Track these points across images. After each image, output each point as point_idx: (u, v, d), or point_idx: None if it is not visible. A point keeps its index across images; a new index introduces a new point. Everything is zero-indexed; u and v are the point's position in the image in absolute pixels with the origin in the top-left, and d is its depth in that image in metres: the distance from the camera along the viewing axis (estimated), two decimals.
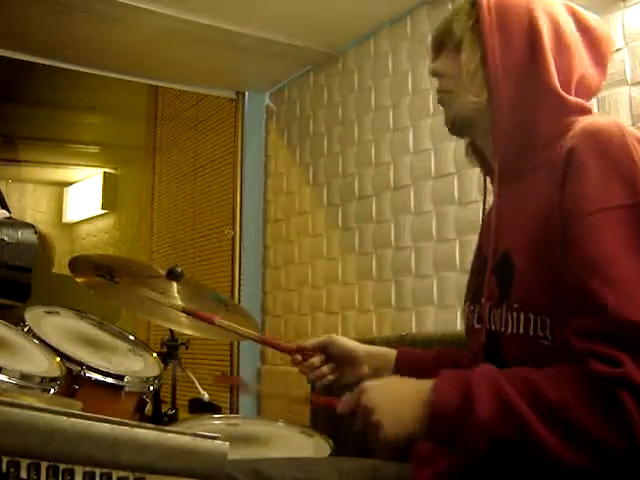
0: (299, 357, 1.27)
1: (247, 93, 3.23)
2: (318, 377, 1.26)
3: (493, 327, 1.01)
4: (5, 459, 0.53)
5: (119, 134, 4.72)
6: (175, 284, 1.95)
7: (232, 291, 3.11)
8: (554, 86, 0.99)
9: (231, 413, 2.88)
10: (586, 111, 1.01)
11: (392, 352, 1.27)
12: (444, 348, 1.29)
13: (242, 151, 3.21)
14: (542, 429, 0.80)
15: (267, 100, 3.23)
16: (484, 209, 1.17)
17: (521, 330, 0.95)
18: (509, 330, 0.97)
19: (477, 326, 1.06)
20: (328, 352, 1.26)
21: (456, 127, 1.11)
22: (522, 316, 0.95)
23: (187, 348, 2.06)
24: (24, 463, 0.53)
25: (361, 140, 2.62)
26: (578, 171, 0.90)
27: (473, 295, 1.10)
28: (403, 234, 2.36)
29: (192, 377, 2.06)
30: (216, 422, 1.76)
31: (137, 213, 4.58)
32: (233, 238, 3.17)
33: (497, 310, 1.00)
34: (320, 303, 2.74)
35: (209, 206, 3.47)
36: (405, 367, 1.23)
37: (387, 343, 2.08)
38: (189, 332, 1.84)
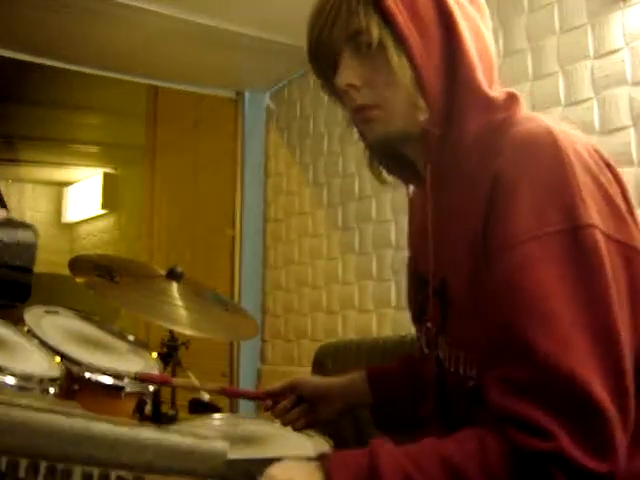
0: (270, 402, 1.22)
1: (247, 93, 3.23)
2: (290, 421, 1.21)
3: (440, 355, 0.91)
4: (4, 459, 0.53)
5: (119, 134, 4.72)
6: (175, 284, 1.95)
7: (232, 291, 3.11)
8: (478, 82, 0.86)
9: (231, 413, 2.88)
10: (513, 102, 0.88)
11: (361, 378, 1.20)
12: (408, 356, 1.22)
13: (242, 151, 3.21)
14: None
15: (267, 100, 3.23)
16: (410, 219, 1.08)
17: (452, 367, 0.87)
18: (446, 364, 0.89)
19: (426, 350, 0.97)
20: (297, 393, 1.21)
21: (390, 144, 0.94)
22: (454, 352, 0.87)
23: (187, 348, 2.06)
24: (23, 463, 0.53)
25: (361, 139, 2.62)
26: (505, 197, 0.77)
27: (418, 313, 1.00)
28: (403, 234, 2.36)
29: (192, 377, 2.06)
30: (216, 422, 1.75)
31: (137, 213, 4.58)
32: (233, 238, 3.17)
33: (441, 337, 0.91)
34: (320, 303, 2.74)
35: (209, 206, 3.47)
36: (381, 393, 1.18)
37: (387, 343, 2.08)
38: (189, 332, 1.84)
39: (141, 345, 1.96)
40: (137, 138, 4.39)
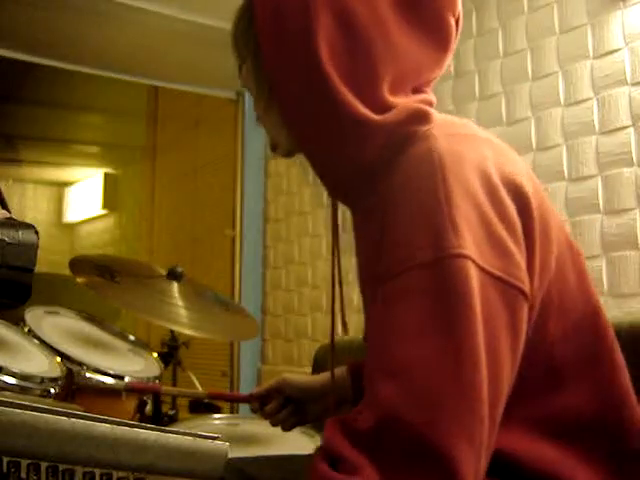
0: (256, 405, 1.21)
1: (247, 93, 3.23)
2: (280, 421, 1.19)
3: None
4: (6, 459, 0.53)
5: (119, 134, 4.72)
6: (175, 284, 1.95)
7: (232, 291, 3.11)
8: (355, 113, 0.76)
9: (231, 413, 2.88)
10: (418, 119, 0.78)
11: (344, 373, 1.20)
12: None
13: (242, 151, 3.21)
14: None
15: None
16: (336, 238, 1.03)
17: None
18: None
19: None
20: (284, 393, 1.20)
21: (278, 154, 0.92)
22: None
23: (187, 348, 2.06)
24: (24, 463, 0.53)
25: None
26: (387, 227, 0.73)
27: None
28: None
29: (192, 377, 2.06)
30: (216, 422, 1.76)
31: (137, 213, 4.58)
32: (233, 238, 3.17)
33: None
34: (320, 303, 2.74)
35: (209, 206, 3.47)
36: (361, 388, 1.16)
37: None
38: (189, 332, 1.84)
39: (141, 345, 1.97)
40: (137, 138, 4.39)
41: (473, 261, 0.66)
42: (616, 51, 1.71)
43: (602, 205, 1.70)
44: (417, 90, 0.83)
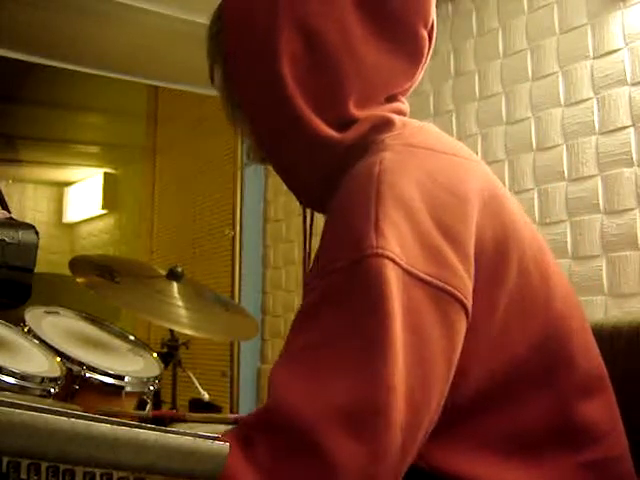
0: None
1: None
2: None
3: None
4: (5, 459, 0.53)
5: (119, 134, 4.72)
6: (175, 284, 1.95)
7: (232, 291, 3.11)
8: (318, 132, 0.77)
9: (231, 413, 2.87)
10: (379, 128, 0.77)
11: None
12: None
13: (242, 151, 3.21)
14: None
15: None
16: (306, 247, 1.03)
17: None
18: None
19: None
20: None
21: (252, 161, 0.93)
22: None
23: (187, 348, 2.06)
24: (24, 463, 0.53)
25: None
26: (322, 234, 0.74)
27: None
28: None
29: (192, 377, 2.06)
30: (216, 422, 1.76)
31: (137, 213, 4.58)
32: (233, 238, 3.17)
33: None
34: None
35: (209, 206, 3.47)
36: None
37: None
38: (189, 332, 1.84)
39: (141, 345, 1.97)
40: (137, 138, 4.39)
41: (394, 261, 0.64)
42: (616, 51, 1.71)
43: (602, 205, 1.71)
44: (390, 99, 0.83)
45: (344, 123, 0.78)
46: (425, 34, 0.83)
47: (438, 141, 0.80)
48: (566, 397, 0.76)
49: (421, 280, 0.65)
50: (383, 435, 0.60)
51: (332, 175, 0.78)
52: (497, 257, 0.73)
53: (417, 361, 0.63)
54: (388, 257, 0.63)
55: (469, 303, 0.68)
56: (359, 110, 0.78)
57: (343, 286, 0.65)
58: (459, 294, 0.67)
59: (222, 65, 0.85)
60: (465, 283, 0.68)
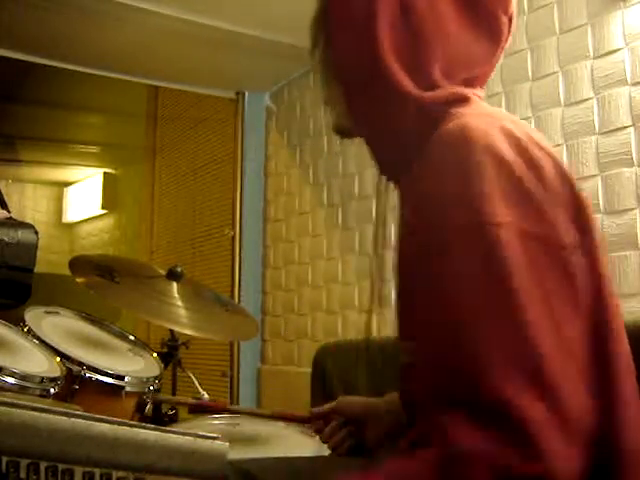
0: (320, 423, 1.20)
1: (247, 93, 3.23)
2: (337, 443, 1.17)
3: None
4: (5, 459, 0.53)
5: (119, 134, 4.72)
6: (175, 284, 1.95)
7: (232, 291, 3.11)
8: (404, 88, 0.83)
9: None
10: (460, 101, 0.85)
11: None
12: None
13: (242, 151, 3.20)
14: None
15: (267, 100, 3.23)
16: (379, 218, 1.10)
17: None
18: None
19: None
20: (342, 415, 1.18)
21: (340, 135, 1.02)
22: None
23: (187, 348, 2.06)
24: (24, 463, 0.53)
25: (361, 140, 2.62)
26: (420, 199, 0.80)
27: None
28: None
29: (192, 377, 2.06)
30: (216, 422, 1.76)
31: (137, 213, 4.58)
32: (233, 238, 3.17)
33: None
34: (320, 303, 2.74)
35: (209, 206, 3.47)
36: None
37: (387, 343, 2.08)
38: (189, 332, 1.84)
39: (141, 345, 1.97)
40: (137, 138, 4.39)
41: (514, 226, 0.70)
42: (616, 51, 1.71)
43: (602, 205, 1.70)
44: (469, 83, 0.89)
45: (428, 86, 0.85)
46: (505, 20, 0.91)
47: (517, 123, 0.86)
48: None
49: (536, 237, 0.71)
50: (543, 370, 0.66)
51: (409, 136, 0.85)
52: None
53: (549, 311, 0.69)
54: (508, 225, 0.70)
55: (571, 246, 0.74)
56: (443, 79, 0.85)
57: (463, 249, 0.71)
58: (565, 242, 0.73)
59: (324, 43, 0.94)
60: (563, 227, 0.74)
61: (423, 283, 0.79)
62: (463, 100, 0.85)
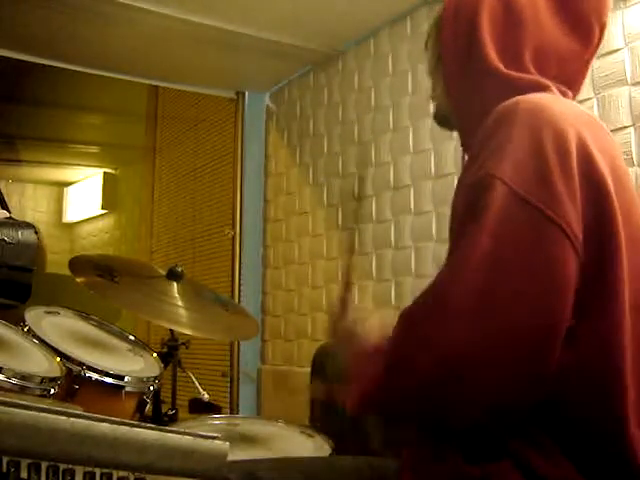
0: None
1: (247, 93, 3.23)
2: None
3: None
4: (5, 459, 0.53)
5: (119, 134, 4.72)
6: (175, 284, 1.95)
7: (232, 291, 3.11)
8: (494, 65, 0.92)
9: (231, 413, 2.88)
10: (540, 87, 0.92)
11: None
12: None
13: (242, 151, 3.21)
14: None
15: (267, 100, 3.23)
16: None
17: None
18: None
19: None
20: None
21: (438, 123, 1.10)
22: None
23: (187, 348, 2.06)
24: (24, 463, 0.53)
25: (361, 140, 2.62)
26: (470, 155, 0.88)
27: None
28: (403, 234, 2.36)
29: (192, 377, 2.06)
30: (216, 422, 1.76)
31: (137, 213, 4.58)
32: (233, 238, 3.17)
33: None
34: (320, 303, 2.74)
35: (209, 206, 3.47)
36: None
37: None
38: (189, 332, 1.84)
39: (141, 345, 1.97)
40: (137, 138, 4.39)
41: (503, 182, 0.76)
42: (616, 51, 1.71)
43: None
44: (559, 82, 0.95)
45: (516, 68, 0.93)
46: (597, 27, 0.96)
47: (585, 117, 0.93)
48: None
49: (525, 201, 0.76)
50: (442, 316, 0.78)
51: (488, 109, 0.90)
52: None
53: (493, 266, 0.75)
54: (498, 178, 0.77)
55: (573, 233, 0.76)
56: (533, 67, 0.93)
57: (465, 199, 0.82)
58: (567, 228, 0.76)
59: (434, 37, 1.06)
60: (574, 219, 0.77)
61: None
62: (543, 88, 0.91)
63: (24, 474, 0.53)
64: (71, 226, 6.00)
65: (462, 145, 1.04)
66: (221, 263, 3.27)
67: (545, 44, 0.94)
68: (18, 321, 1.66)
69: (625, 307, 0.79)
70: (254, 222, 3.17)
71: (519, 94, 0.87)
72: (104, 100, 4.07)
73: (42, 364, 1.52)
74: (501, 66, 0.92)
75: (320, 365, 2.18)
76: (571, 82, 0.98)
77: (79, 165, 5.59)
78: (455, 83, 0.98)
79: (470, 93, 0.96)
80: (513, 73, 0.92)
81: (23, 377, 1.37)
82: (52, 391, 1.44)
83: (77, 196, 5.88)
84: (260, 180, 3.21)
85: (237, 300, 3.05)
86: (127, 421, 0.57)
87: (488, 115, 0.88)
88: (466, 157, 1.04)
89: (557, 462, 0.77)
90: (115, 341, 1.91)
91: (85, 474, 0.54)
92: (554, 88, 0.93)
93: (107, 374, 1.64)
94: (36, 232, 2.08)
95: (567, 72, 0.96)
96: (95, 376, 1.62)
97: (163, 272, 2.00)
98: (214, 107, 3.48)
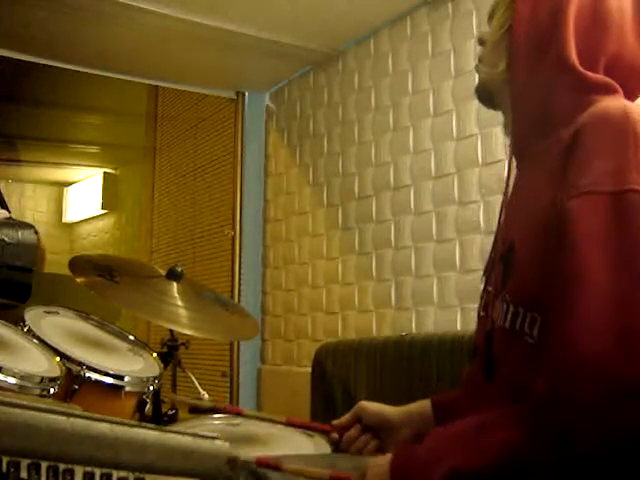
0: (336, 435, 1.21)
1: (247, 93, 3.23)
2: (359, 449, 1.18)
3: (494, 316, 0.97)
4: (5, 459, 0.53)
5: (119, 134, 4.72)
6: (175, 284, 1.95)
7: (232, 291, 3.11)
8: (571, 61, 0.92)
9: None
10: (611, 90, 0.92)
11: (428, 406, 1.18)
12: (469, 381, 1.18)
13: (242, 151, 3.21)
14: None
15: (267, 100, 3.23)
16: (506, 191, 1.09)
17: (507, 323, 0.91)
18: (498, 322, 0.94)
19: (482, 314, 1.04)
20: (363, 422, 1.19)
21: (480, 97, 1.09)
22: (511, 308, 0.91)
23: (187, 348, 2.06)
24: (24, 463, 0.53)
25: (361, 140, 2.62)
26: (572, 158, 0.84)
27: (485, 281, 1.07)
28: (403, 234, 2.36)
29: (192, 377, 2.06)
30: (216, 422, 1.75)
31: (137, 213, 4.58)
32: (233, 238, 3.17)
33: (497, 300, 0.96)
34: (320, 303, 2.74)
35: (209, 206, 3.47)
36: (442, 422, 1.11)
37: (387, 343, 2.08)
38: (189, 332, 1.84)
39: (141, 345, 1.96)
40: (137, 138, 4.39)
41: None
42: None
43: None
44: (627, 90, 0.95)
45: (588, 68, 0.93)
46: None
47: None
48: None
49: None
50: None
51: (559, 108, 0.92)
52: None
53: None
54: None
55: None
56: (607, 72, 0.94)
57: (605, 210, 0.77)
58: None
59: (502, 24, 1.02)
60: None
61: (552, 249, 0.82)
62: (615, 91, 0.92)
63: (24, 474, 0.53)
64: (71, 226, 6.00)
65: (511, 132, 1.02)
66: (221, 263, 3.27)
67: (623, 52, 0.95)
68: (18, 321, 1.66)
69: None
70: (254, 222, 3.17)
71: (591, 94, 0.89)
72: (104, 100, 4.08)
73: (42, 364, 1.52)
74: (577, 64, 0.92)
75: (320, 365, 2.19)
76: (630, 94, 0.97)
77: (79, 165, 5.59)
78: (523, 68, 0.96)
79: (539, 83, 0.95)
80: (588, 74, 0.92)
81: (23, 377, 1.37)
82: (52, 391, 1.44)
83: (77, 196, 5.88)
84: (260, 180, 3.21)
85: (237, 300, 3.05)
86: (127, 421, 0.57)
87: (550, 109, 0.91)
88: (508, 149, 1.06)
89: None
90: (115, 341, 1.91)
91: (85, 474, 0.54)
92: (621, 93, 0.94)
93: (107, 374, 1.64)
94: (36, 232, 2.08)
95: (631, 83, 0.97)
96: (95, 376, 1.62)
97: (163, 272, 2.00)
98: (214, 107, 3.48)
